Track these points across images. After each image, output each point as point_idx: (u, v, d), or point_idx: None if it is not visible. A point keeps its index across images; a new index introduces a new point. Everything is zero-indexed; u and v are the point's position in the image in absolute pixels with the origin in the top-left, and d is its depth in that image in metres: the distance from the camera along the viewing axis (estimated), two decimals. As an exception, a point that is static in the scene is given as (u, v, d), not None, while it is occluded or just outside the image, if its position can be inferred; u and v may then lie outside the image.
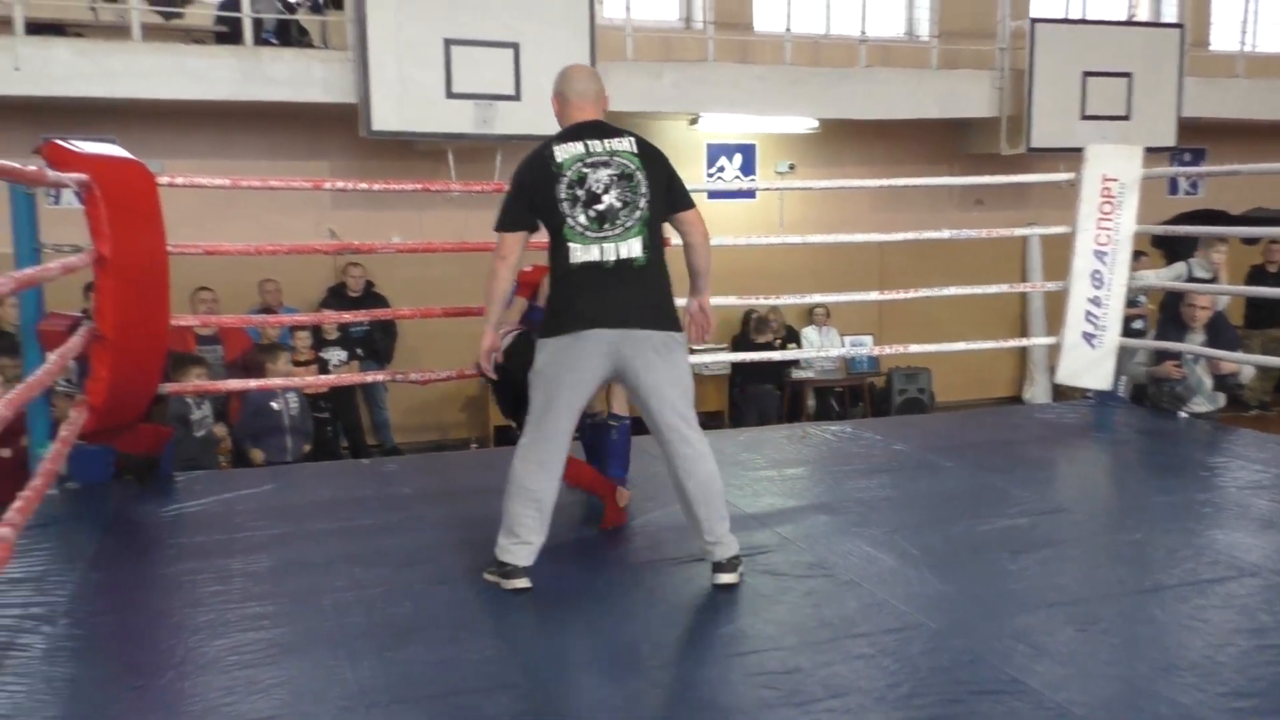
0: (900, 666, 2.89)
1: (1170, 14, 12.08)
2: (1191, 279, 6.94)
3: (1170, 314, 6.52)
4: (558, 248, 3.41)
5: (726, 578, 3.45)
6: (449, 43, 8.40)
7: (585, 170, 3.38)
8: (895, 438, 5.64)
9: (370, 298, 9.11)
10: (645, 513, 4.30)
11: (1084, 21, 10.96)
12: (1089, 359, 6.21)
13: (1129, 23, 11.72)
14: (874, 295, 7.08)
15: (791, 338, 10.41)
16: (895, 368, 10.71)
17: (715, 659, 2.99)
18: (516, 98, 8.58)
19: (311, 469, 6.09)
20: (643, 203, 3.39)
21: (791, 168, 10.80)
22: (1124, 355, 6.36)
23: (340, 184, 5.49)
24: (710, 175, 10.72)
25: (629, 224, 3.38)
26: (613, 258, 3.36)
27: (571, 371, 3.39)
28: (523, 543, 3.44)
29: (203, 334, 7.69)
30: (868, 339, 10.63)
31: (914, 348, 6.82)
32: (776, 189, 10.66)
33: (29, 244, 4.33)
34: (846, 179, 10.16)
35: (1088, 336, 6.20)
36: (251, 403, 7.17)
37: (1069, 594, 3.44)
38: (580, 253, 3.36)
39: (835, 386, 10.75)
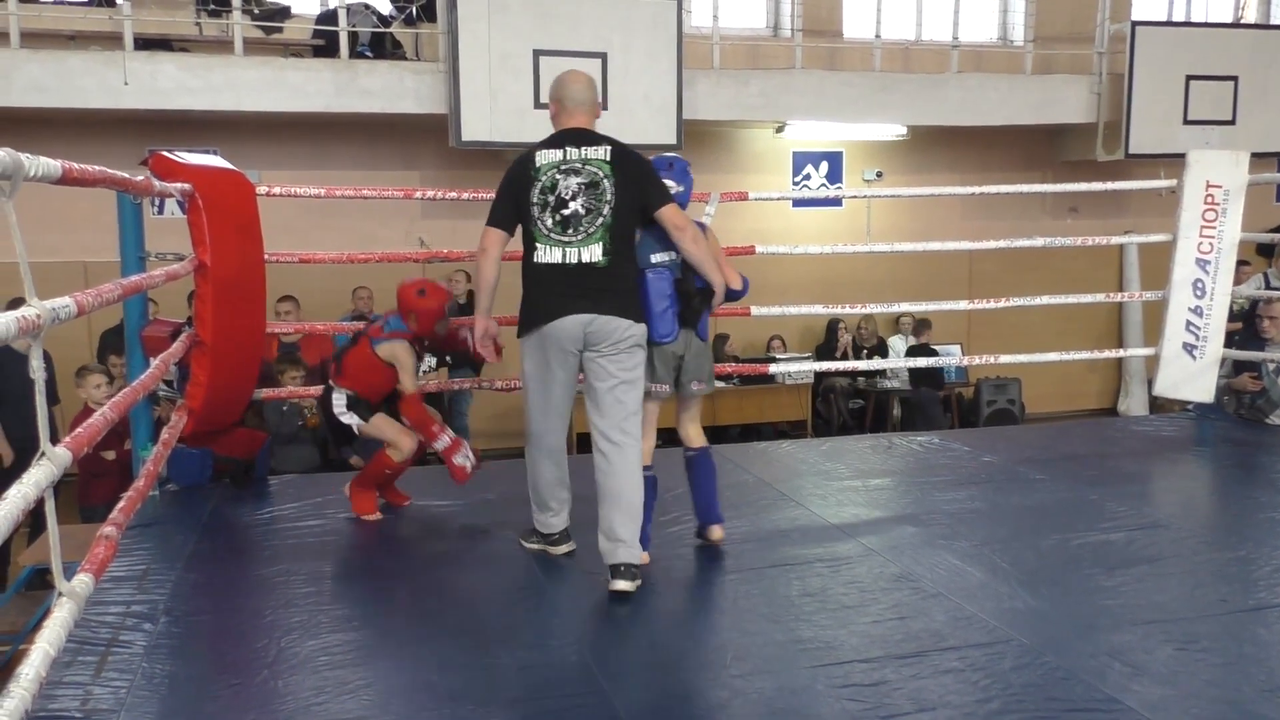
0: (991, 682, 2.83)
1: (1280, 15, 11.68)
2: (1269, 289, 6.71)
3: (1251, 325, 6.32)
4: (527, 247, 3.64)
5: (621, 584, 3.46)
6: (538, 53, 8.49)
7: (558, 177, 3.59)
8: (984, 449, 5.53)
9: (465, 306, 9.23)
10: (726, 521, 4.27)
11: (1187, 24, 10.65)
12: (1190, 370, 6.02)
13: (1236, 25, 11.36)
14: (963, 304, 6.94)
15: (878, 349, 10.29)
16: (984, 378, 10.52)
17: (799, 669, 2.96)
18: (604, 107, 8.62)
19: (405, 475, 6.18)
20: (606, 209, 3.55)
21: (879, 175, 10.68)
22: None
23: (430, 193, 5.57)
24: (796, 183, 10.66)
25: (591, 230, 3.55)
26: (574, 260, 3.54)
27: (548, 367, 3.61)
28: (556, 513, 3.83)
29: (286, 340, 7.84)
30: (956, 348, 10.46)
31: (1004, 358, 6.68)
32: (864, 197, 10.55)
33: (135, 252, 4.49)
34: (935, 186, 10.01)
35: (1188, 347, 6.01)
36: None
37: (1167, 611, 3.34)
38: (544, 253, 3.58)
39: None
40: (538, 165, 3.63)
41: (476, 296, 3.82)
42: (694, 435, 4.01)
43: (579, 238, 3.55)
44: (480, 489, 4.90)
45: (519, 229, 3.69)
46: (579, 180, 3.58)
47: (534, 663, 3.01)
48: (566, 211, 3.56)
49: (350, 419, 4.31)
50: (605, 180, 3.57)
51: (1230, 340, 6.13)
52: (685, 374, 3.82)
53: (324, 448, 7.42)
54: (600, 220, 3.55)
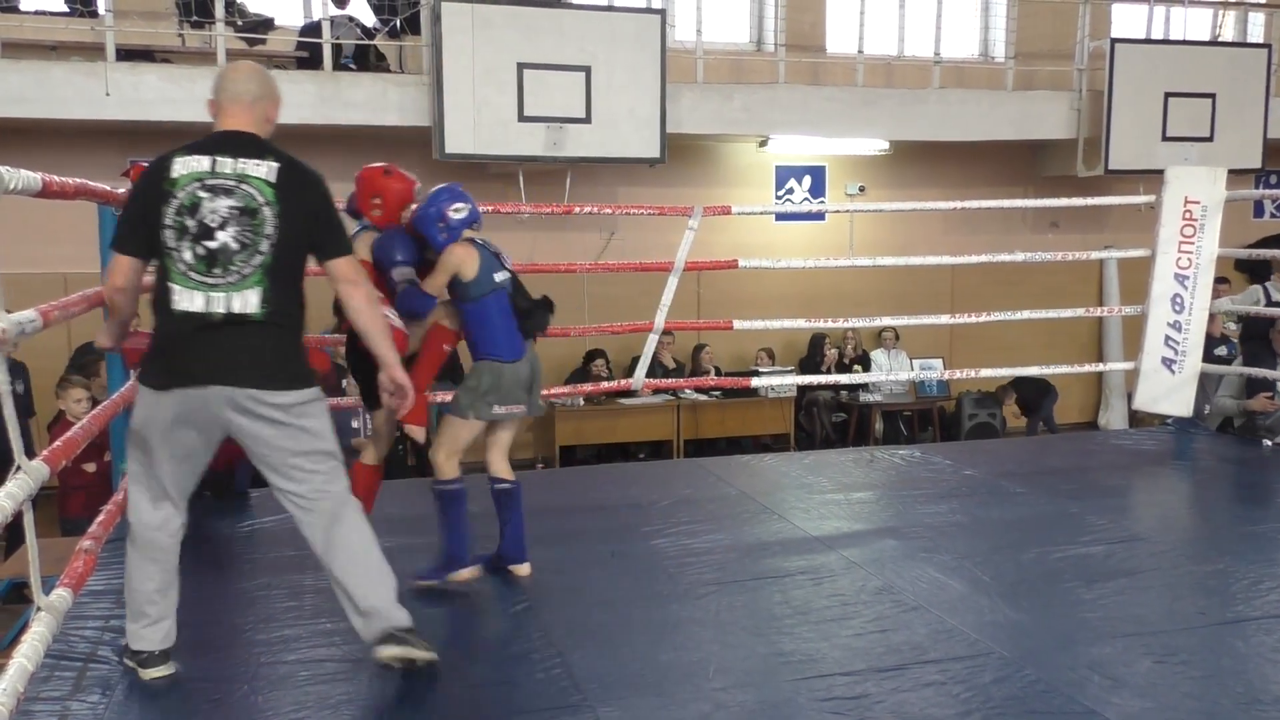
0: (972, 695, 2.84)
1: (1257, 34, 11.79)
2: (1270, 304, 6.75)
3: (1259, 341, 6.35)
4: (160, 285, 2.81)
5: (390, 651, 2.90)
6: (522, 66, 8.51)
7: (202, 195, 2.78)
8: (965, 463, 5.55)
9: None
10: (709, 533, 4.29)
11: (1166, 41, 10.75)
12: (1168, 385, 6.07)
13: (1213, 43, 11.48)
14: (945, 319, 6.99)
15: (861, 361, 10.34)
16: (966, 392, 10.56)
17: (781, 682, 2.96)
18: (587, 120, 8.65)
19: (382, 486, 6.16)
20: (265, 245, 2.78)
21: (862, 189, 10.74)
22: (1210, 386, 6.20)
23: (413, 205, 5.58)
24: (779, 197, 10.70)
25: (246, 271, 2.77)
26: (221, 310, 2.76)
27: (166, 439, 2.83)
28: (153, 621, 2.94)
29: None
30: (937, 362, 10.51)
31: (986, 372, 6.73)
32: (847, 211, 10.60)
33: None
34: (918, 201, 10.07)
35: (1167, 362, 6.05)
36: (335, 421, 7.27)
37: (1147, 624, 3.36)
38: (183, 299, 2.76)
39: (904, 410, 10.62)
40: (174, 176, 2.79)
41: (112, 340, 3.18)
42: (504, 468, 3.91)
43: (230, 280, 2.75)
44: (462, 502, 4.89)
45: (132, 257, 2.91)
46: (231, 204, 2.77)
47: (515, 678, 3.00)
48: (213, 244, 2.75)
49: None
50: (265, 208, 2.79)
51: (1228, 358, 6.16)
52: (534, 392, 3.81)
53: None
54: (259, 259, 2.77)
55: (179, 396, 2.78)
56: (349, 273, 2.94)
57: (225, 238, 2.75)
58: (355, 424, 7.45)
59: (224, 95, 2.94)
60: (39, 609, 2.64)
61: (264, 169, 2.82)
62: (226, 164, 2.80)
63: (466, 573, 3.74)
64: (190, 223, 2.76)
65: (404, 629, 2.89)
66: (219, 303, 2.75)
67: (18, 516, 2.45)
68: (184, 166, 2.80)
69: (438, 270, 3.65)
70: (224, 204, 2.77)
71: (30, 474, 2.56)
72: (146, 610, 2.92)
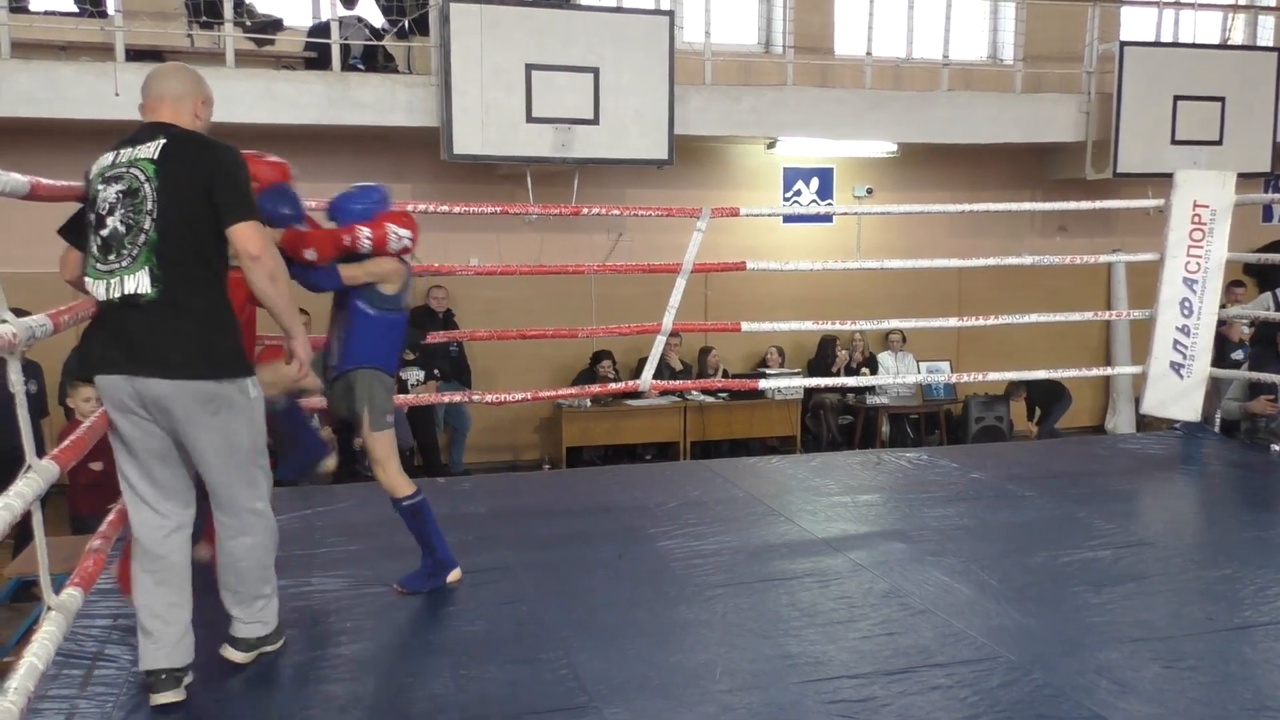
0: (979, 699, 2.84)
1: (1266, 37, 11.77)
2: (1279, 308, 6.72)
3: (1265, 346, 6.33)
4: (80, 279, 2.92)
5: (234, 654, 3.03)
6: (530, 67, 8.51)
7: (100, 187, 2.83)
8: (972, 466, 5.54)
9: (448, 320, 9.24)
10: (716, 535, 4.28)
11: (1175, 45, 10.73)
12: (1177, 389, 6.05)
13: (1223, 46, 11.45)
14: (952, 321, 6.98)
15: (868, 363, 10.33)
16: (973, 395, 10.54)
17: (788, 685, 2.96)
18: (595, 122, 8.66)
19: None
20: (147, 223, 2.76)
21: (870, 192, 10.72)
22: (1218, 389, 6.18)
23: (422, 206, 5.58)
24: (787, 199, 10.69)
25: (134, 252, 2.76)
26: (117, 295, 2.77)
27: (129, 444, 2.88)
28: (157, 639, 2.86)
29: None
30: (945, 365, 10.49)
31: (993, 375, 6.71)
32: (854, 213, 10.59)
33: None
34: (925, 204, 10.06)
35: (1175, 366, 6.04)
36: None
37: (1154, 630, 3.35)
38: (93, 288, 2.82)
39: (910, 413, 10.61)
40: (90, 176, 2.88)
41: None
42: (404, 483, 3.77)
43: (124, 263, 2.76)
44: (468, 503, 4.91)
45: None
46: (118, 189, 2.80)
47: (521, 677, 3.00)
48: (104, 231, 2.79)
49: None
50: (145, 184, 2.77)
51: (1235, 362, 6.15)
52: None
53: None
54: (143, 239, 2.75)
55: (101, 384, 2.82)
56: (248, 243, 2.81)
57: (113, 222, 2.78)
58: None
59: (148, 95, 2.97)
60: (49, 608, 2.65)
61: (150, 149, 2.81)
62: (125, 153, 2.84)
63: (457, 573, 3.77)
64: (91, 215, 2.83)
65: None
66: (115, 287, 2.77)
67: (27, 515, 2.45)
68: (97, 165, 2.87)
69: (365, 269, 3.61)
70: (113, 190, 2.80)
71: (40, 473, 2.56)
72: (151, 626, 2.85)
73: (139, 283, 2.75)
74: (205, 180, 2.80)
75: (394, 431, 3.70)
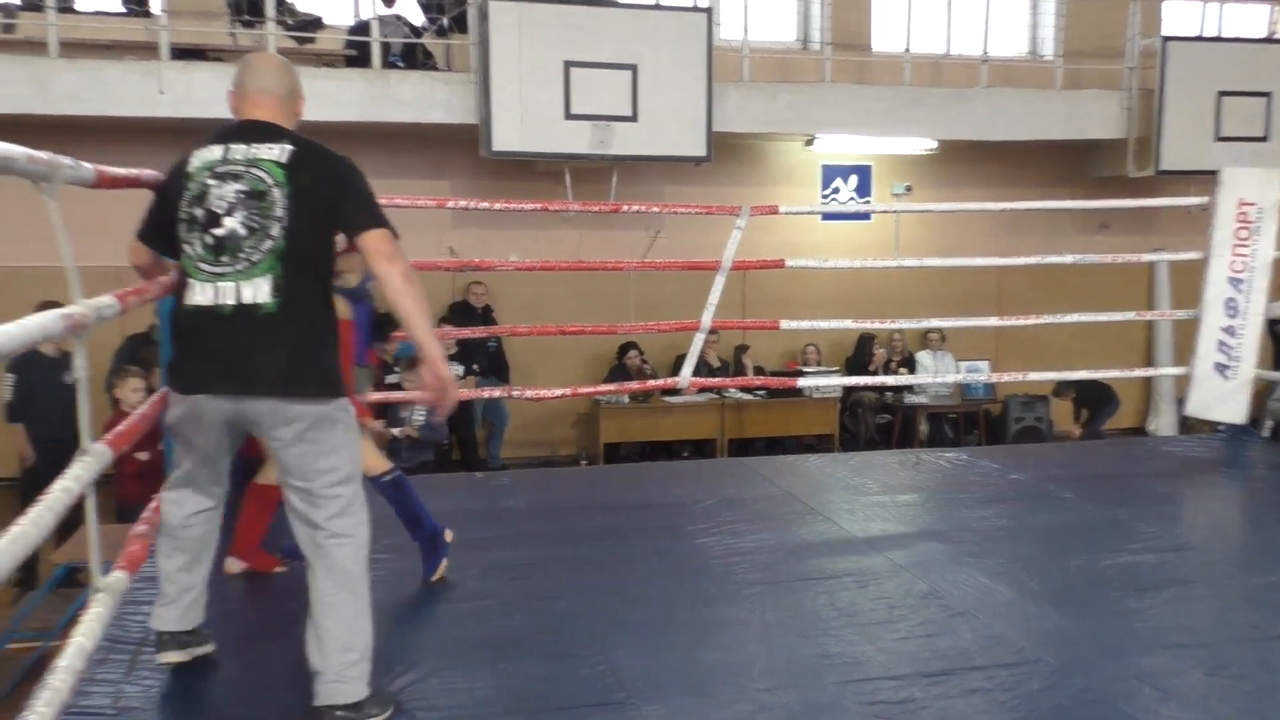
0: (1019, 703, 2.82)
1: (1313, 31, 11.58)
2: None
3: None
4: (180, 281, 2.73)
5: None
6: (568, 65, 8.54)
7: (210, 183, 2.64)
8: (1012, 467, 5.50)
9: (487, 315, 9.30)
10: (754, 533, 4.28)
11: (1219, 39, 10.58)
12: (1221, 391, 5.96)
13: (1269, 40, 11.27)
14: (992, 320, 6.93)
15: (906, 362, 10.28)
16: (1012, 395, 10.46)
17: (826, 685, 2.95)
18: (633, 118, 8.67)
19: (428, 481, 6.22)
20: (275, 229, 2.60)
21: (908, 189, 10.66)
22: (1266, 391, 6.09)
23: (462, 203, 5.62)
24: (825, 196, 10.65)
25: (255, 258, 2.59)
26: (230, 301, 2.58)
27: (190, 442, 2.78)
28: (170, 601, 2.88)
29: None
30: (984, 364, 10.41)
31: (1034, 375, 6.66)
32: (893, 211, 10.53)
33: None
34: (964, 201, 9.98)
35: (1220, 367, 5.95)
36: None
37: (1198, 636, 3.31)
38: (194, 292, 2.63)
39: (949, 413, 10.54)
40: (189, 169, 2.69)
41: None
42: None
43: (239, 267, 2.59)
44: (506, 498, 4.93)
45: (144, 244, 2.93)
46: (238, 188, 2.62)
47: (558, 673, 3.01)
48: (220, 231, 2.60)
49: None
50: (275, 189, 2.62)
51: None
52: None
53: None
54: (269, 244, 2.59)
55: (195, 403, 2.66)
56: (383, 246, 2.67)
57: (232, 223, 2.59)
58: (404, 413, 7.52)
59: (251, 87, 2.79)
60: (97, 590, 2.69)
61: (276, 151, 2.66)
62: (239, 150, 2.67)
63: (449, 534, 3.81)
64: (199, 212, 2.63)
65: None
66: (228, 293, 2.58)
67: (74, 501, 2.50)
68: (198, 159, 2.69)
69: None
70: (231, 189, 2.61)
71: (95, 457, 2.61)
72: (165, 588, 2.88)
73: (258, 290, 2.58)
74: (332, 190, 2.68)
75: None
